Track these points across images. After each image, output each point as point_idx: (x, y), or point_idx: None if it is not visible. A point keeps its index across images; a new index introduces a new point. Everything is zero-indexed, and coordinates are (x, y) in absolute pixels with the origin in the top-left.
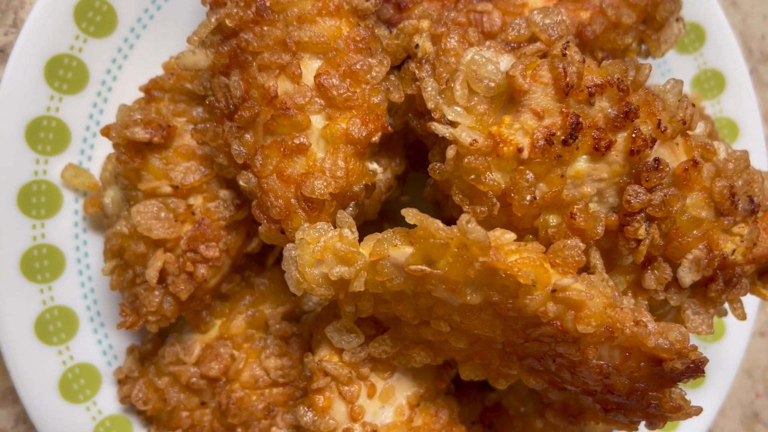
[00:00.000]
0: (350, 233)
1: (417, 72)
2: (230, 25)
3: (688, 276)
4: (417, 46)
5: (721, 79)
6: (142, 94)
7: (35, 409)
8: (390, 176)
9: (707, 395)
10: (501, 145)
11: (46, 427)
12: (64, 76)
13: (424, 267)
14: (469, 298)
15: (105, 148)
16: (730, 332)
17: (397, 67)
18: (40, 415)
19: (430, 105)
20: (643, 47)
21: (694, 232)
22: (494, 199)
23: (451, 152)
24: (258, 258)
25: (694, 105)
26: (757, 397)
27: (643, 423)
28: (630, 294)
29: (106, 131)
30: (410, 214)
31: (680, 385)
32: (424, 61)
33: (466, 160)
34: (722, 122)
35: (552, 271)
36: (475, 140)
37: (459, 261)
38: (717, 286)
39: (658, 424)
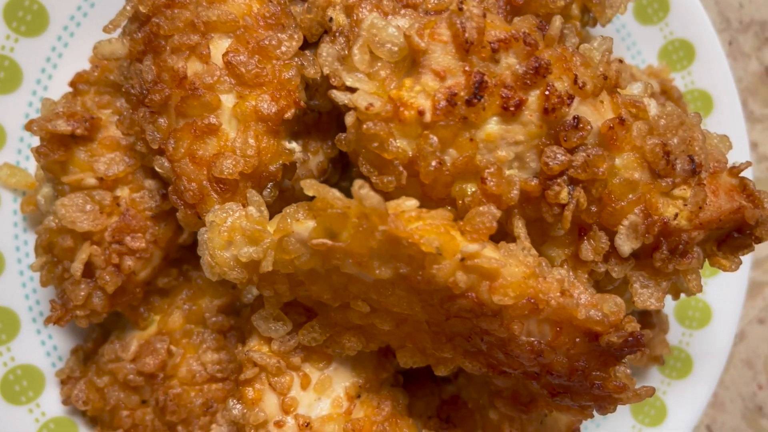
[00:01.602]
0: (256, 211)
1: (331, 45)
2: (144, 11)
3: (626, 244)
4: (331, 19)
5: (690, 48)
6: None
7: None
8: (323, 159)
9: (695, 385)
10: (402, 109)
11: None
12: None
13: (325, 240)
14: (377, 272)
15: None
16: (716, 318)
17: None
18: None
19: (326, 70)
20: (591, 15)
21: (629, 196)
22: (401, 168)
23: (350, 119)
24: (195, 251)
25: (621, 61)
26: (760, 389)
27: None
28: (567, 267)
29: (29, 125)
30: (307, 185)
31: (663, 374)
32: (337, 34)
33: (365, 126)
34: (695, 94)
35: (460, 239)
36: (371, 104)
37: (360, 232)
38: (661, 255)
39: (607, 408)
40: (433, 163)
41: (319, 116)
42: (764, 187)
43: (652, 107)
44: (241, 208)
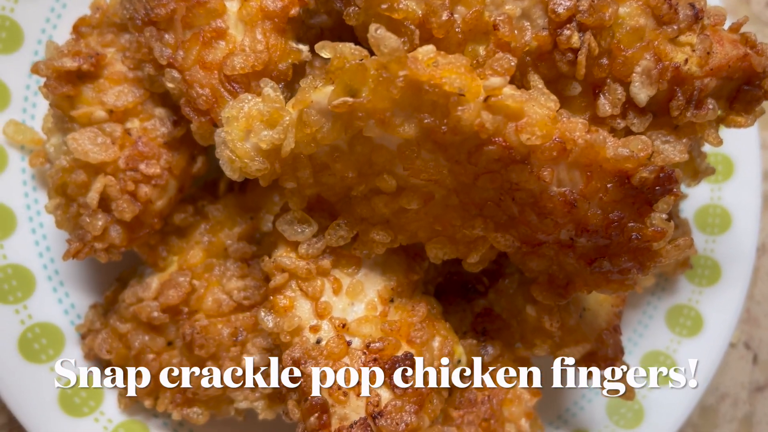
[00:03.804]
0: (272, 92)
1: None
2: None
3: (641, 92)
4: None
5: None
6: None
7: None
8: None
9: (727, 290)
10: None
11: (8, 388)
12: None
13: (346, 98)
14: (401, 129)
15: (46, 105)
16: (736, 220)
17: None
18: (0, 375)
19: None
20: None
21: (638, 44)
22: (412, 27)
23: None
24: (211, 189)
25: None
26: None
27: None
28: None
29: (35, 68)
30: (321, 45)
31: (693, 283)
32: None
33: None
34: None
35: (480, 81)
36: None
37: (380, 83)
38: (678, 103)
39: (647, 264)
40: (444, 15)
41: (321, 33)
42: None
43: None
44: (256, 96)
